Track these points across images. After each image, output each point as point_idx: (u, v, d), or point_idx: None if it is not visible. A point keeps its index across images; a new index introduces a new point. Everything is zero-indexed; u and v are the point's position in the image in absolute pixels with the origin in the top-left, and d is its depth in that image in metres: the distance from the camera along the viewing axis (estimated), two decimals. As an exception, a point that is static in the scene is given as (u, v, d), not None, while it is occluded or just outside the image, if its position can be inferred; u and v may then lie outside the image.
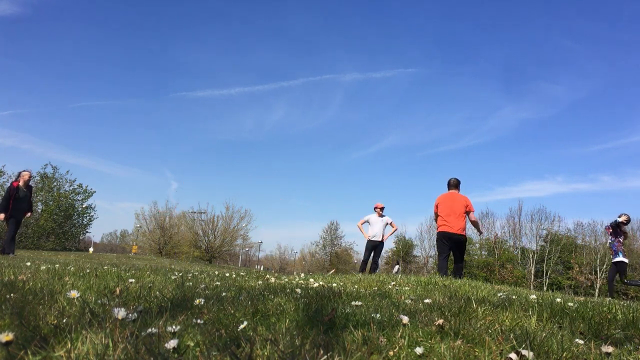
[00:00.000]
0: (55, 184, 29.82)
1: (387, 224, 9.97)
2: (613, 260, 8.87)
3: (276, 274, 5.86)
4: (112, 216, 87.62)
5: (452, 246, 7.44)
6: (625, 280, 8.80)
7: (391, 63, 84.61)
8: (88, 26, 77.97)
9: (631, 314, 2.42)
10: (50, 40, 75.95)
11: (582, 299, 3.85)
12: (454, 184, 7.81)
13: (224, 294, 2.63)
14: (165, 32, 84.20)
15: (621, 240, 8.72)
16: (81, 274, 3.67)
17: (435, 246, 7.71)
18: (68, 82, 77.49)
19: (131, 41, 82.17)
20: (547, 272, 39.90)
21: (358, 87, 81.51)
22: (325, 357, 1.32)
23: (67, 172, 32.35)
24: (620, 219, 8.71)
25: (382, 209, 9.98)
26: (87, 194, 31.03)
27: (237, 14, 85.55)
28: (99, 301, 2.10)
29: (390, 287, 3.89)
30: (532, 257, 40.63)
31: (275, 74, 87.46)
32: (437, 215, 7.68)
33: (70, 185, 30.43)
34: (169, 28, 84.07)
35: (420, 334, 1.72)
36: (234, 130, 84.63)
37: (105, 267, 4.89)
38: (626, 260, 8.73)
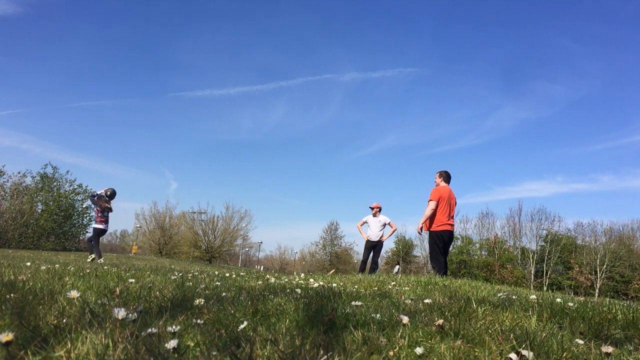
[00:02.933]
0: (55, 184, 29.80)
1: (384, 224, 9.98)
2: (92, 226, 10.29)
3: (276, 274, 5.86)
4: (112, 216, 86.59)
5: (446, 245, 7.02)
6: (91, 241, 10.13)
7: (390, 62, 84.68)
8: (87, 26, 77.97)
9: (631, 314, 2.42)
10: (49, 40, 76.01)
11: (582, 299, 3.85)
12: (450, 178, 7.28)
13: (224, 294, 2.63)
14: (165, 31, 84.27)
15: (99, 209, 10.07)
16: (81, 274, 3.67)
17: (431, 246, 6.99)
18: (67, 81, 77.51)
19: (130, 41, 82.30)
20: (547, 272, 39.88)
21: (357, 86, 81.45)
22: (325, 357, 1.32)
23: (67, 172, 32.41)
24: (100, 192, 10.12)
25: (377, 208, 9.99)
26: (87, 194, 31.02)
27: (236, 14, 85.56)
28: (99, 301, 2.10)
29: (390, 287, 3.88)
30: (532, 257, 40.58)
31: (275, 73, 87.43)
32: (435, 211, 6.84)
33: (70, 185, 30.41)
34: (168, 27, 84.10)
35: (420, 334, 1.72)
36: (233, 130, 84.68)
37: (105, 267, 4.89)
38: (101, 227, 10.08)
